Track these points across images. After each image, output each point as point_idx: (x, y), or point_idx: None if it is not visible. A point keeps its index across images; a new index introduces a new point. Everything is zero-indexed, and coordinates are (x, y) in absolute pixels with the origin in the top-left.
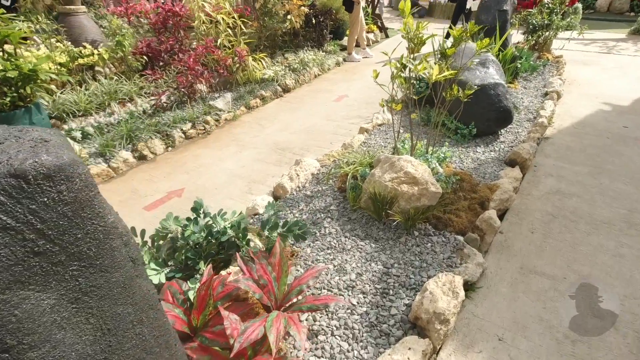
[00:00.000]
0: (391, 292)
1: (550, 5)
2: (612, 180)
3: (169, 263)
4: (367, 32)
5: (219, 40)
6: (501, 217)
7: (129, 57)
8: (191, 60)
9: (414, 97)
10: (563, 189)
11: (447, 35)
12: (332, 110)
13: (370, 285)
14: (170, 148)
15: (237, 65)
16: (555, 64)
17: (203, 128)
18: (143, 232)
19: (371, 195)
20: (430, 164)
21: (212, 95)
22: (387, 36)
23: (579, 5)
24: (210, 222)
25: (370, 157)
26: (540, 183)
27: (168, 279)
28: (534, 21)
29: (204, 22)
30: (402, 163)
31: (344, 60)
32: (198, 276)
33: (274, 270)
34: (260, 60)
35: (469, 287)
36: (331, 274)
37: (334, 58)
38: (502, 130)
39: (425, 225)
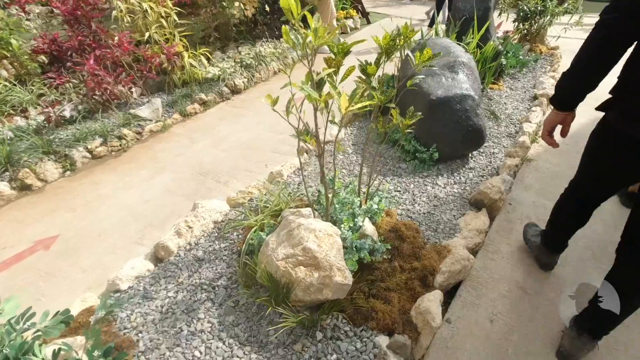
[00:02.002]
0: None
1: None
2: (607, 228)
3: None
4: (345, 17)
5: (147, 34)
6: (455, 289)
7: (24, 57)
8: (92, 61)
9: (335, 124)
10: None
11: (431, 24)
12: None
13: None
14: (68, 172)
15: (165, 64)
16: (549, 58)
17: (118, 144)
18: None
19: (263, 275)
20: (356, 222)
21: (140, 100)
22: (368, 22)
23: None
24: None
25: (286, 202)
26: (514, 232)
27: None
28: (525, 7)
29: (128, 12)
30: (302, 233)
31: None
32: None
33: None
34: (202, 56)
35: None
36: None
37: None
38: (473, 152)
39: (337, 318)
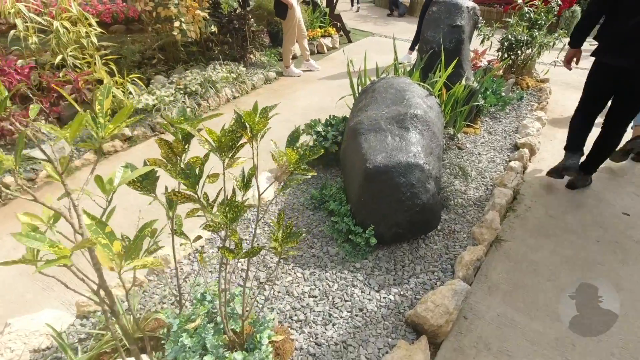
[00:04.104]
0: None
1: (531, 15)
2: None
3: None
4: (323, 36)
5: (59, 58)
6: None
7: None
8: None
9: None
10: None
11: (412, 47)
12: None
13: None
14: None
15: (75, 94)
16: (536, 93)
17: None
18: None
19: None
20: None
21: (48, 137)
22: (349, 41)
23: (577, 9)
24: None
25: (142, 322)
26: None
27: None
28: (509, 36)
29: (37, 32)
30: None
31: (279, 75)
32: None
33: None
34: (130, 84)
35: None
36: None
37: (263, 73)
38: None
39: None
